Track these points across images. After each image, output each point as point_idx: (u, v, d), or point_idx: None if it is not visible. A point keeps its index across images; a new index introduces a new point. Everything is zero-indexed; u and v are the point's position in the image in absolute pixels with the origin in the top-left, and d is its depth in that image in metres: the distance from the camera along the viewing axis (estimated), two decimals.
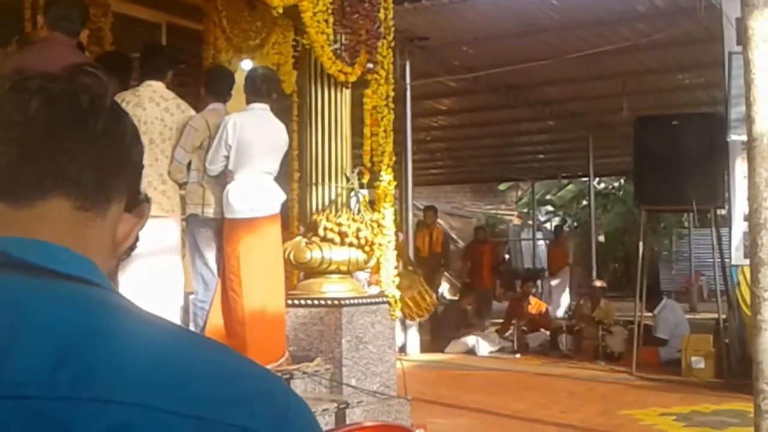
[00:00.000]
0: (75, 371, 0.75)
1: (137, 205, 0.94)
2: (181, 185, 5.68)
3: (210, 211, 5.66)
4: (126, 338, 0.79)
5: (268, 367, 5.62)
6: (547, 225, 24.45)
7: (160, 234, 5.48)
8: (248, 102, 5.91)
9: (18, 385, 0.74)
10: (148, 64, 5.81)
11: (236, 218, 5.64)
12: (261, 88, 5.90)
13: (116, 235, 0.91)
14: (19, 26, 5.99)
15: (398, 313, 7.03)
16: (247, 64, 7.30)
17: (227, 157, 5.61)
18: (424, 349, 10.75)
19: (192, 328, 5.63)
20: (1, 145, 0.85)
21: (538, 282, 15.97)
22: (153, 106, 5.58)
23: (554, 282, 15.81)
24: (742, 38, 5.89)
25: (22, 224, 0.83)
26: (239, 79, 6.45)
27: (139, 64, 6.00)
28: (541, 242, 22.86)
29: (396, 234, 7.21)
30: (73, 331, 0.77)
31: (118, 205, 0.91)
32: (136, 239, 0.95)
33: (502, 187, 25.55)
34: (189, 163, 5.65)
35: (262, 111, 5.82)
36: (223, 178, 5.72)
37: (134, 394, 0.74)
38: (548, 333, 11.64)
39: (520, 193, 26.09)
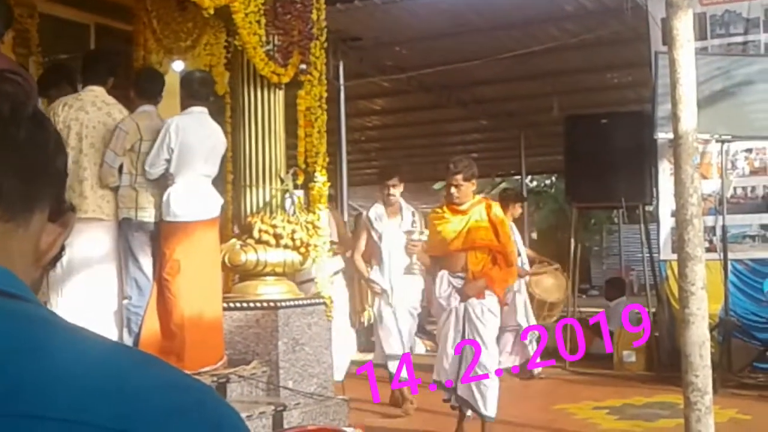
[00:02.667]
0: (2, 388, 0.72)
1: (62, 214, 0.91)
2: (113, 189, 5.61)
3: (144, 215, 5.59)
4: (54, 352, 0.77)
5: (206, 370, 5.59)
6: None
7: (101, 237, 5.48)
8: (186, 105, 5.89)
9: None
10: (89, 70, 5.81)
11: (176, 222, 5.60)
12: (199, 91, 5.89)
13: (39, 245, 0.88)
14: None
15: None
16: (178, 66, 7.22)
17: (168, 161, 5.58)
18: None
19: (126, 333, 5.55)
20: None
21: None
22: (95, 110, 5.58)
23: None
24: (668, 38, 6.01)
25: None
26: (171, 81, 6.37)
27: (81, 70, 5.99)
28: None
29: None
30: None
31: (41, 215, 0.88)
32: (62, 249, 0.92)
33: (436, 186, 25.70)
34: (120, 167, 5.59)
35: (201, 114, 5.81)
36: (160, 182, 5.67)
37: (64, 410, 0.72)
38: None
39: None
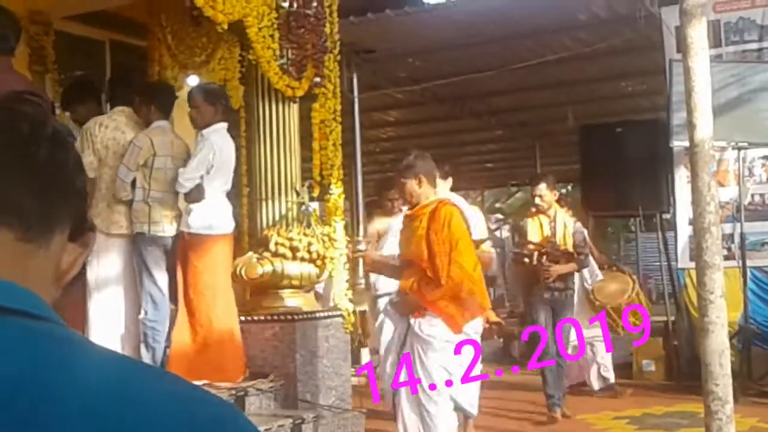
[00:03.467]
0: (24, 405, 0.73)
1: (82, 234, 0.92)
2: (127, 203, 5.66)
3: (157, 229, 5.63)
4: (74, 371, 0.77)
5: (231, 385, 5.61)
6: (498, 233, 24.61)
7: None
8: (215, 121, 5.94)
9: None
10: (120, 92, 6.01)
11: (203, 234, 5.68)
12: (226, 106, 6.08)
13: (60, 265, 0.89)
14: None
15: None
16: (193, 81, 7.25)
17: (202, 176, 5.68)
18: None
19: (143, 348, 5.56)
20: None
21: (490, 289, 16.03)
22: (130, 131, 5.77)
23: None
24: (682, 46, 5.99)
25: None
26: (185, 96, 6.40)
27: (110, 90, 6.16)
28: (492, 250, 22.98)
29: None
30: (20, 366, 0.75)
31: (62, 235, 0.89)
32: (82, 268, 0.93)
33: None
34: (133, 182, 5.64)
35: (226, 130, 5.92)
36: (174, 196, 5.72)
37: (86, 426, 0.73)
38: (501, 340, 11.69)
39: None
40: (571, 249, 7.10)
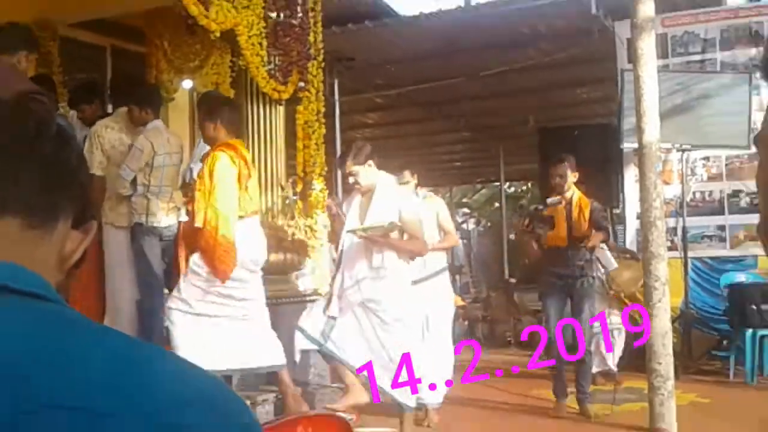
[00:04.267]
0: (27, 382, 0.72)
1: (84, 222, 0.92)
2: (125, 197, 5.65)
3: (154, 220, 5.61)
4: (77, 348, 0.77)
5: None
6: (464, 226, 24.67)
7: None
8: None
9: None
10: (123, 94, 5.93)
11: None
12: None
13: (63, 251, 0.89)
14: None
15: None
16: (187, 84, 7.21)
17: None
18: None
19: (140, 327, 5.54)
20: None
21: (457, 277, 16.08)
22: (130, 132, 5.76)
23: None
24: (633, 57, 6.03)
25: None
26: (180, 98, 6.38)
27: (110, 94, 6.10)
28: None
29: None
30: (23, 343, 0.75)
31: (65, 223, 0.89)
32: (84, 254, 0.93)
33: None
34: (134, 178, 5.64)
35: None
36: (170, 189, 5.74)
37: (90, 399, 0.72)
38: (466, 323, 11.72)
39: (439, 196, 26.23)
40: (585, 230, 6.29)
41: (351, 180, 5.10)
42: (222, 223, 4.81)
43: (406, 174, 6.20)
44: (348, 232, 5.03)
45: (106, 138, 5.66)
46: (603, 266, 7.28)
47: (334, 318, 5.03)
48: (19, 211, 0.84)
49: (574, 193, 6.39)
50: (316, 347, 5.08)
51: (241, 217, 5.00)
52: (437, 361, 5.89)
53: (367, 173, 5.02)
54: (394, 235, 4.94)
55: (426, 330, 5.86)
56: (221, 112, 5.11)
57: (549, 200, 6.37)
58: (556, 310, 6.30)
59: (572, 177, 6.39)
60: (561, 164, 6.37)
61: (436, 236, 6.11)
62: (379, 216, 4.95)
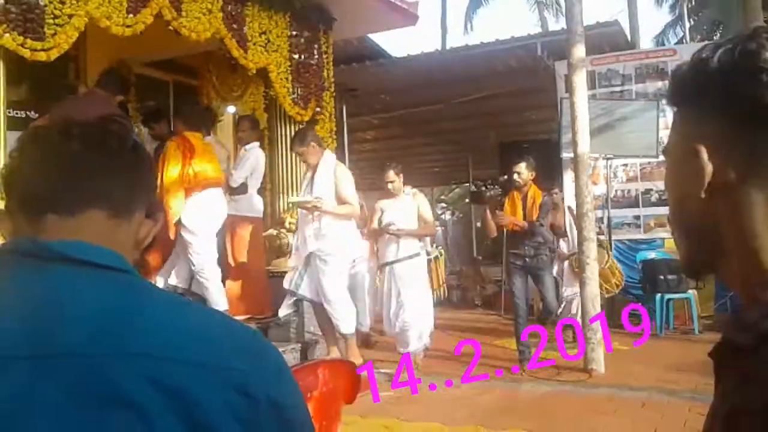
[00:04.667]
0: (108, 333, 0.73)
1: (154, 213, 0.92)
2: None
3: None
4: (146, 308, 0.77)
5: (259, 319, 5.61)
6: (442, 216, 24.67)
7: None
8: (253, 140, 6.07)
9: (64, 345, 0.71)
10: (179, 116, 5.78)
11: (246, 216, 5.90)
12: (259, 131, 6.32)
13: (139, 236, 0.90)
14: (70, 83, 5.76)
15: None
16: (231, 109, 7.19)
17: (246, 177, 5.94)
18: None
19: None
20: (51, 173, 0.83)
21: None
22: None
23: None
24: (569, 88, 6.04)
25: (69, 230, 0.81)
26: (226, 120, 6.35)
27: (173, 116, 6.11)
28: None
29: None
30: (106, 304, 0.75)
31: (140, 214, 0.89)
32: (153, 238, 0.93)
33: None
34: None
35: (258, 146, 6.19)
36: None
37: (159, 349, 0.73)
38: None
39: (421, 194, 26.16)
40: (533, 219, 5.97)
41: (302, 159, 5.31)
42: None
43: (390, 174, 6.07)
44: (289, 202, 5.50)
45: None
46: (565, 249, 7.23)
47: (296, 269, 5.30)
48: (103, 205, 0.84)
49: (530, 187, 6.06)
50: (294, 298, 5.32)
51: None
52: (418, 320, 5.87)
53: (311, 152, 5.16)
54: (333, 202, 5.10)
55: (400, 296, 5.85)
56: (205, 121, 5.64)
57: (490, 194, 6.36)
58: (520, 283, 5.98)
59: (529, 175, 6.05)
60: (519, 163, 6.08)
61: (416, 224, 6.07)
62: (321, 185, 5.11)
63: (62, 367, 0.70)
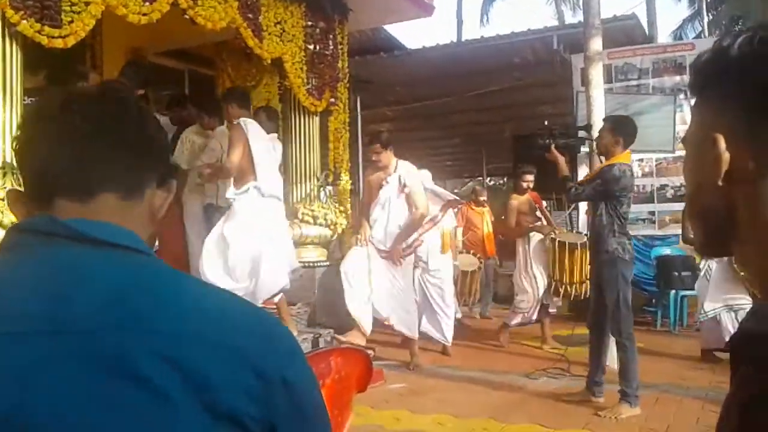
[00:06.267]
0: (124, 311, 0.73)
1: (167, 181, 0.90)
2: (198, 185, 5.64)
3: (221, 202, 5.57)
4: (162, 287, 0.78)
5: (272, 309, 5.59)
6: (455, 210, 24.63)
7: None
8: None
9: (81, 321, 0.72)
10: (194, 106, 5.91)
11: None
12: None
13: (153, 207, 0.88)
14: (81, 69, 5.79)
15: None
16: None
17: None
18: None
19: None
20: (57, 155, 0.81)
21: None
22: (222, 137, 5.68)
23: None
24: (585, 82, 6.00)
25: (84, 212, 0.81)
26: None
27: (188, 105, 6.06)
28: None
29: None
30: (122, 283, 0.76)
31: (151, 188, 0.88)
32: (169, 207, 0.92)
33: None
34: None
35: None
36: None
37: (175, 328, 0.73)
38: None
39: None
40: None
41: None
42: None
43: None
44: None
45: (188, 142, 5.66)
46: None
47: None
48: (114, 188, 0.83)
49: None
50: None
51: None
52: (444, 317, 6.05)
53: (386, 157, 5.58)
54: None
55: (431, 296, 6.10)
56: (217, 112, 5.47)
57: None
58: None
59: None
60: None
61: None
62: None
63: (79, 343, 0.71)
